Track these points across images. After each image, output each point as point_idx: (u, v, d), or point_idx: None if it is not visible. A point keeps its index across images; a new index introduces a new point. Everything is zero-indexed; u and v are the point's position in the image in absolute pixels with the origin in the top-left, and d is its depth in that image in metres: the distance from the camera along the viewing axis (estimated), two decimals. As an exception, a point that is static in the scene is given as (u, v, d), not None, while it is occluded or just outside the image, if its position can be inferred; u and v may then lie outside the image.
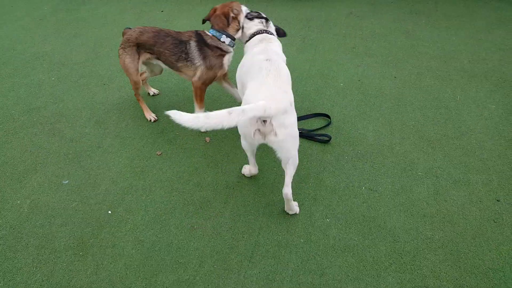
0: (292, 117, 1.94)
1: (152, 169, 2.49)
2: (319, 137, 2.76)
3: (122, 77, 3.43)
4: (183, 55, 2.58)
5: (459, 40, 4.07)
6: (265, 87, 1.96)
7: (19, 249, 2.00)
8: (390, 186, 2.41)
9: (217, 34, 2.58)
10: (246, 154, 2.32)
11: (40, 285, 1.84)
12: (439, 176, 2.47)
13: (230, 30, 2.60)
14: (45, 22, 4.52)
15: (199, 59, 2.58)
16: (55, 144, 2.67)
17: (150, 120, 2.89)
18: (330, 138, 2.75)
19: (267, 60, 2.13)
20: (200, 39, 2.58)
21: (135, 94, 2.88)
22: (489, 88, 3.29)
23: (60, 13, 4.75)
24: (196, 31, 2.64)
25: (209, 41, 2.57)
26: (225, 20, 2.55)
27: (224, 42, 2.58)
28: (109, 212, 2.20)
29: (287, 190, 2.08)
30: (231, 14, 2.56)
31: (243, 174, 2.46)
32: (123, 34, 2.71)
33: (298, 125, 2.86)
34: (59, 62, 3.69)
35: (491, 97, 3.18)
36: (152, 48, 2.62)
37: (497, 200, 2.27)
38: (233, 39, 2.60)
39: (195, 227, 2.13)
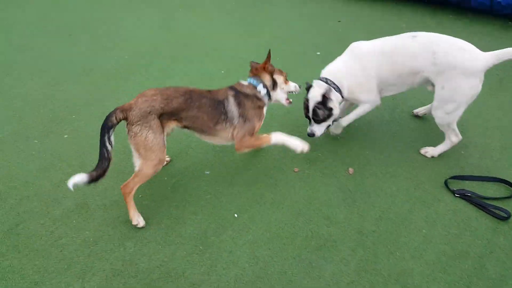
0: None
1: (286, 185, 2.39)
2: (493, 210, 2.16)
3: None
4: (223, 116, 2.20)
5: None
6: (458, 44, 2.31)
7: (153, 223, 2.17)
8: None
9: (254, 81, 2.34)
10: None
11: (160, 265, 1.94)
12: None
13: (267, 81, 2.38)
14: (229, 16, 4.93)
15: (237, 115, 2.23)
16: (207, 135, 2.85)
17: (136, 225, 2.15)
18: (510, 216, 2.12)
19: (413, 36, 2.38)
20: (237, 92, 2.28)
21: (129, 192, 2.07)
22: None
23: (242, 8, 5.10)
24: (230, 86, 2.33)
25: (247, 91, 2.30)
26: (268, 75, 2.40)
27: (260, 91, 2.33)
28: (236, 215, 2.20)
29: None
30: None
31: None
32: (128, 107, 2.01)
33: (469, 186, 2.33)
34: (229, 56, 3.95)
35: None
36: (182, 115, 2.12)
37: None
38: (268, 90, 2.38)
39: (313, 265, 1.93)
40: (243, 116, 2.24)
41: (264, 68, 2.37)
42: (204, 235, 2.09)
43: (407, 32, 2.43)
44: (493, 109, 2.99)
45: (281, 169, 2.51)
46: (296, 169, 2.50)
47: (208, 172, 2.50)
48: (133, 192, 2.09)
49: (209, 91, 2.24)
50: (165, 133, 2.11)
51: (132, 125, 2.00)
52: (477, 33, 4.19)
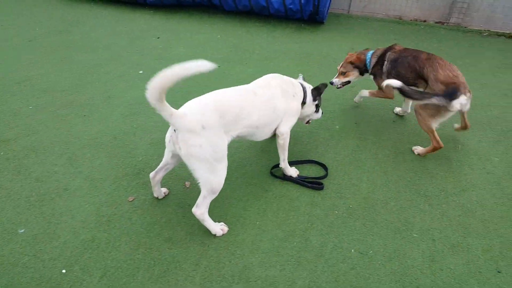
0: (202, 139, 1.93)
1: (120, 218, 2.25)
2: (312, 184, 2.55)
3: (104, 108, 3.23)
4: None
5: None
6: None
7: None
8: (382, 250, 2.17)
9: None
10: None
11: None
12: (436, 239, 2.25)
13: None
14: (34, 44, 4.34)
15: None
16: (18, 184, 2.43)
17: None
18: (323, 186, 2.53)
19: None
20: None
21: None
22: (493, 138, 3.09)
23: (52, 35, 4.58)
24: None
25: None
26: None
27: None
28: (64, 271, 1.95)
29: (195, 210, 2.11)
30: None
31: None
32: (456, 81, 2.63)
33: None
34: (41, 89, 3.48)
35: (495, 148, 2.98)
36: None
37: (498, 272, 2.04)
38: None
39: (160, 293, 1.88)
40: None
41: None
42: (26, 308, 1.79)
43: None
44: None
45: (114, 202, 2.35)
46: (130, 198, 2.39)
47: (22, 230, 2.14)
48: None
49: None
50: None
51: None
52: (279, 36, 4.84)
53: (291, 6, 4.77)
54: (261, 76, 2.52)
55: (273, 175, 2.64)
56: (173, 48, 4.35)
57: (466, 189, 2.60)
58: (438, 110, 2.63)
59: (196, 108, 1.98)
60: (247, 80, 2.55)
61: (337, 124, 3.20)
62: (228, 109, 2.07)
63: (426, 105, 2.64)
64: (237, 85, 2.31)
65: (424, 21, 5.59)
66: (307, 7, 4.74)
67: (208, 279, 1.96)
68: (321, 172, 2.71)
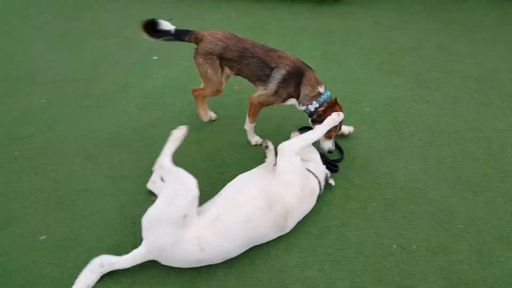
0: None
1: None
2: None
3: (120, 99, 3.07)
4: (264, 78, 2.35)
5: (498, 56, 3.60)
6: None
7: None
8: (425, 244, 2.03)
9: (322, 98, 2.30)
10: None
11: None
12: (482, 230, 2.10)
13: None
14: (43, 32, 4.14)
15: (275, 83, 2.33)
16: (35, 187, 2.30)
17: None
18: (338, 169, 2.41)
19: None
20: (298, 73, 2.29)
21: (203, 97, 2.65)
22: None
23: (60, 22, 4.36)
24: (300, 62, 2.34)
25: (305, 84, 2.30)
26: None
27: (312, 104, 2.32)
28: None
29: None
30: None
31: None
32: (197, 38, 2.48)
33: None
34: (53, 81, 3.31)
35: (542, 128, 2.74)
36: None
37: (555, 266, 1.87)
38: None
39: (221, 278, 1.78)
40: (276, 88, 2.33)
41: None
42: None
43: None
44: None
45: (137, 202, 2.20)
46: (153, 198, 2.23)
47: (44, 237, 2.03)
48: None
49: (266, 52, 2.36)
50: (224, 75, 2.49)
51: (198, 56, 2.46)
52: (298, 12, 4.56)
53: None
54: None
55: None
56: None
57: (511, 173, 2.40)
58: None
59: None
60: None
61: (367, 107, 2.98)
62: None
63: None
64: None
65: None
66: (326, -22, 4.43)
67: (243, 283, 1.85)
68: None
